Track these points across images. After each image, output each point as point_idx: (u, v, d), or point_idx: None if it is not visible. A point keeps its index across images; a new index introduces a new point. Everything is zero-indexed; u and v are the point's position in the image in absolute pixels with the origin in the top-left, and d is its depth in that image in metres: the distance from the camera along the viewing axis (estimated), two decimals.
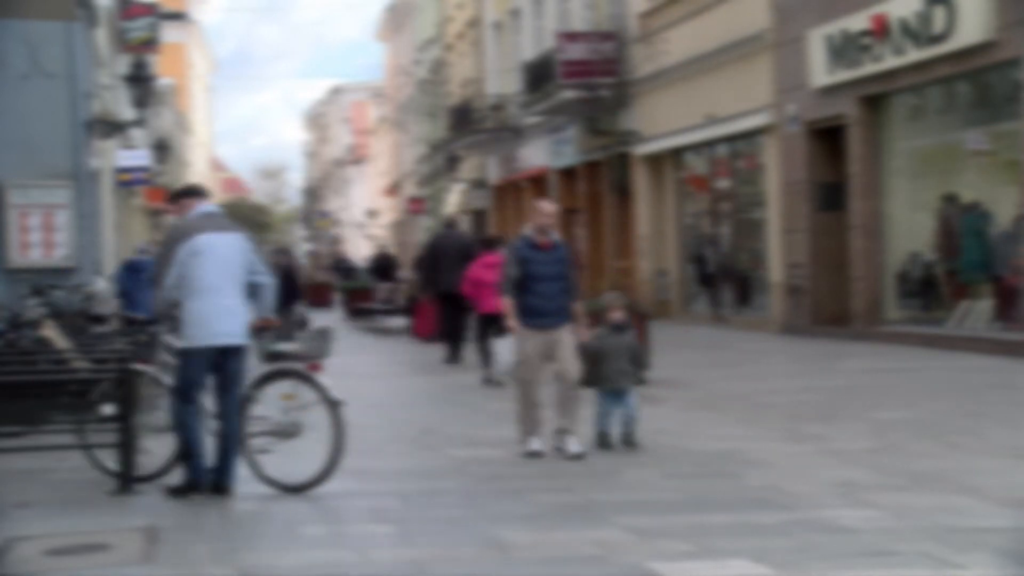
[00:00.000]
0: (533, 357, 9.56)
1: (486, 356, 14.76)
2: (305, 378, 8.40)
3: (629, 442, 9.69)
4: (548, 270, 9.58)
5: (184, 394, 8.26)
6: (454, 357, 17.38)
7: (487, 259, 15.16)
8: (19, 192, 15.37)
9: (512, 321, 9.58)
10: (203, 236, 8.23)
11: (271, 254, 22.94)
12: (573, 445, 9.34)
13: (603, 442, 9.71)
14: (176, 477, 8.37)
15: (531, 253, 9.61)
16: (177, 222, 8.63)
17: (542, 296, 9.56)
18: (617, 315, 9.95)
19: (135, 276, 15.02)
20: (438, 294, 17.80)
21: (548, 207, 9.79)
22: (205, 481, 8.20)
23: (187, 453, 8.25)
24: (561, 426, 9.49)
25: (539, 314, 9.54)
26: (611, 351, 9.75)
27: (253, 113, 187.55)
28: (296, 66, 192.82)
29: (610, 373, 9.73)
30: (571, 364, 9.54)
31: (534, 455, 9.36)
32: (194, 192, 8.80)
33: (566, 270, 9.70)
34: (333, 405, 8.28)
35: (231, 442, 8.32)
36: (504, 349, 9.85)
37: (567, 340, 9.58)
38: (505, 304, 9.69)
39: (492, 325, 14.22)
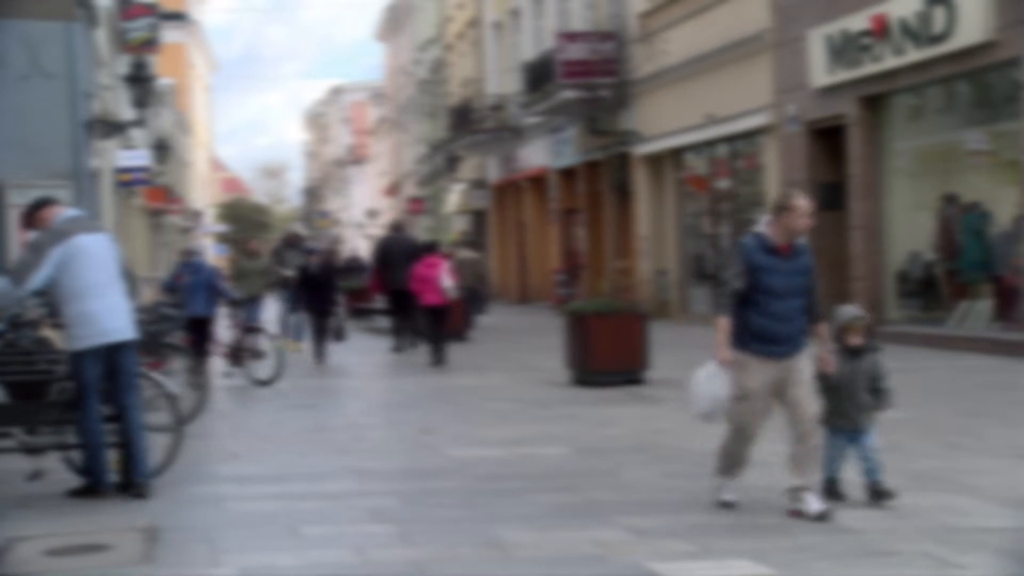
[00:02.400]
0: (760, 394, 7.34)
1: (435, 343, 17.31)
2: (144, 375, 8.88)
3: (879, 492, 7.52)
4: (787, 283, 7.33)
5: (82, 397, 8.24)
6: (401, 347, 19.82)
7: (429, 260, 17.82)
8: (19, 192, 15.38)
9: (725, 352, 7.32)
10: (77, 238, 8.24)
11: (300, 253, 21.43)
12: (814, 503, 7.22)
13: (832, 490, 7.64)
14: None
15: (766, 259, 7.33)
16: (47, 228, 8.38)
17: (776, 316, 7.31)
18: (855, 339, 7.71)
19: (193, 277, 15.59)
20: (388, 291, 20.20)
21: (804, 205, 7.38)
22: (108, 484, 8.22)
23: (89, 456, 8.24)
24: (798, 484, 7.31)
25: (771, 339, 7.31)
26: (849, 382, 7.62)
27: (258, 113, 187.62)
28: (303, 67, 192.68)
29: (848, 408, 7.63)
30: (810, 405, 7.37)
31: (727, 505, 7.52)
32: (48, 202, 8.66)
33: (809, 282, 7.45)
34: (171, 399, 8.78)
35: (138, 439, 8.33)
36: (707, 382, 7.39)
37: (805, 374, 7.41)
38: (721, 326, 7.39)
39: (434, 316, 17.43)
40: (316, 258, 18.78)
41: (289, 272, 20.40)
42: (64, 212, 8.55)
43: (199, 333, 15.00)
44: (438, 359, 17.12)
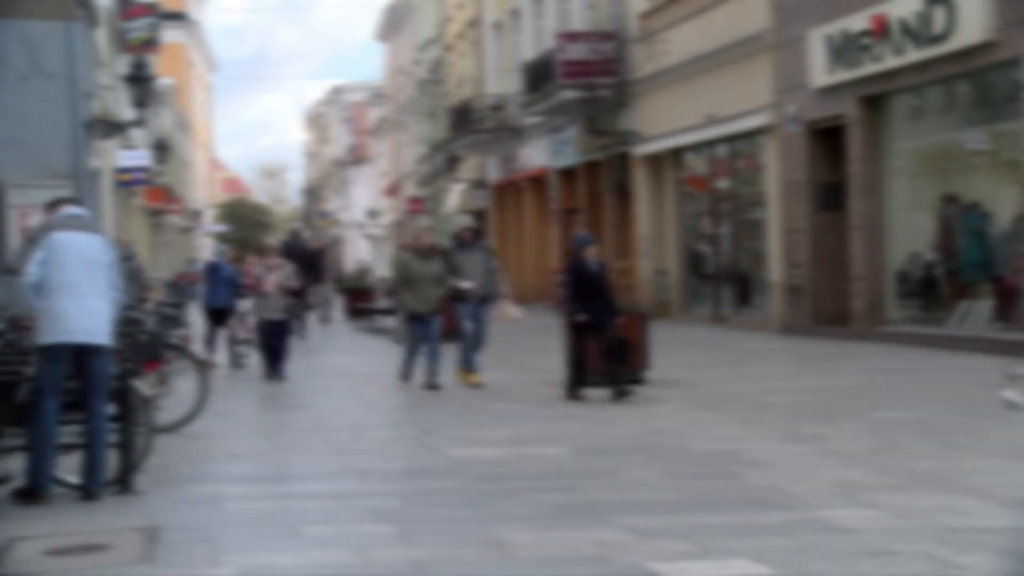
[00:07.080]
0: None
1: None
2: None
3: None
4: None
5: (37, 395, 8.10)
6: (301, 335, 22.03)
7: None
8: (19, 192, 15.38)
9: None
10: (60, 234, 8.18)
11: (484, 254, 15.17)
12: None
13: None
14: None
15: None
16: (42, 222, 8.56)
17: None
18: None
19: (214, 275, 18.21)
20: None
21: None
22: (47, 489, 8.07)
23: (32, 457, 8.10)
24: None
25: None
26: None
27: (263, 114, 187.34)
28: (311, 67, 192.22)
29: None
30: None
31: None
32: (67, 200, 8.75)
33: None
34: (144, 402, 8.87)
35: (99, 446, 8.21)
36: None
37: None
38: None
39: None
40: (594, 251, 13.39)
41: (467, 284, 14.67)
42: (69, 210, 8.49)
43: (218, 322, 17.71)
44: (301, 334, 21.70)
